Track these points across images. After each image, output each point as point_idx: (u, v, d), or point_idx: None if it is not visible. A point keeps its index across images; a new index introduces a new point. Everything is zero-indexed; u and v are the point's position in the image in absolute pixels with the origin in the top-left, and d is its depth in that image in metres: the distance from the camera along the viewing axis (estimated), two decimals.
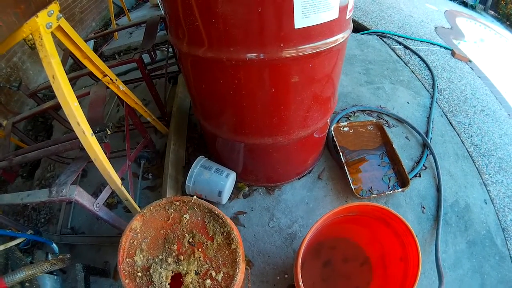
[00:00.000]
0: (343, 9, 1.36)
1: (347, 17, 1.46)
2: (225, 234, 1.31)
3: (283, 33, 1.28)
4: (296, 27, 1.26)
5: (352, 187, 2.21)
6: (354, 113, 2.88)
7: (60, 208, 2.47)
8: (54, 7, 1.30)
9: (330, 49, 1.43)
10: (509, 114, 3.33)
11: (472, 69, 3.90)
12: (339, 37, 1.46)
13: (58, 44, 1.58)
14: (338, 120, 2.74)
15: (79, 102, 1.46)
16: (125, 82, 2.78)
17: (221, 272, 1.25)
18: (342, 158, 2.34)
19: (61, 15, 1.37)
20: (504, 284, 2.04)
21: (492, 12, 6.91)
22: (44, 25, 1.25)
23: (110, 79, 1.89)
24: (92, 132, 1.49)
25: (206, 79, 1.61)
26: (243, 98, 1.57)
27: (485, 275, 2.04)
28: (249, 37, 1.30)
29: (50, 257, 1.87)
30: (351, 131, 2.64)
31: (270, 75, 1.44)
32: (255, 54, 1.33)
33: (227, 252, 1.29)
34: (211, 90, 1.66)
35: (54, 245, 1.94)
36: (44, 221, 2.49)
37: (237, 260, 1.26)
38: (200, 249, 1.30)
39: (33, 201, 1.54)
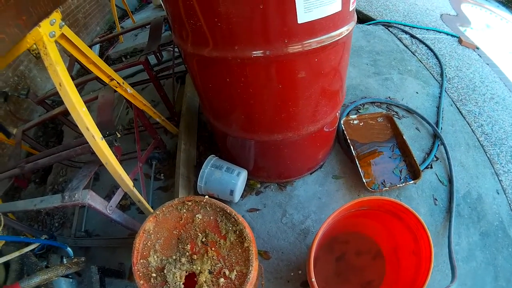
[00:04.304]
0: (346, 1, 1.35)
1: (351, 9, 1.45)
2: (237, 232, 1.32)
3: (286, 29, 1.28)
4: (299, 22, 1.25)
5: (364, 180, 2.20)
6: (364, 105, 2.87)
7: (73, 212, 2.50)
8: (56, 16, 1.32)
9: (335, 42, 1.42)
10: None
11: (480, 56, 3.83)
12: (344, 30, 1.44)
13: (64, 50, 1.59)
14: (348, 113, 2.72)
15: (88, 107, 1.47)
16: (133, 84, 2.81)
17: (235, 270, 1.26)
18: (353, 152, 2.33)
19: (63, 23, 1.38)
20: None
21: None
22: (47, 34, 1.27)
23: (117, 82, 1.91)
24: (101, 136, 1.50)
25: (212, 78, 1.61)
26: (251, 96, 1.57)
27: (498, 267, 2.02)
28: (253, 35, 1.30)
29: (65, 260, 1.89)
30: (361, 124, 2.62)
31: (276, 72, 1.44)
32: (260, 52, 1.32)
33: (240, 250, 1.29)
34: (218, 89, 1.67)
35: (69, 249, 1.95)
36: (58, 225, 2.52)
37: (250, 258, 1.26)
38: (213, 248, 1.31)
39: (46, 207, 1.57)
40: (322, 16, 1.28)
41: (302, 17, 1.24)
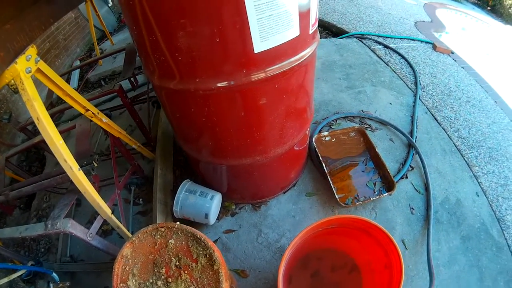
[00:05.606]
0: (304, 25, 1.35)
1: (311, 31, 1.45)
2: (207, 256, 1.36)
3: (244, 60, 1.29)
4: (256, 51, 1.26)
5: (337, 196, 2.21)
6: (336, 120, 2.89)
7: (58, 238, 2.51)
8: (31, 52, 1.36)
9: (297, 66, 1.43)
10: (495, 102, 3.33)
11: (455, 61, 3.91)
12: (305, 53, 1.45)
13: None
14: (320, 130, 2.74)
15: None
16: (111, 109, 2.83)
17: None
18: (325, 168, 2.35)
19: (39, 58, 1.43)
20: (504, 274, 2.03)
21: None
22: (24, 70, 1.31)
23: (93, 113, 1.94)
24: (79, 167, 1.54)
25: (179, 108, 1.64)
26: (216, 124, 1.60)
27: (483, 268, 2.04)
28: (212, 67, 1.32)
29: (51, 286, 1.93)
30: (333, 140, 2.64)
31: (237, 101, 1.46)
32: (219, 83, 1.34)
33: (210, 272, 1.34)
34: (185, 118, 1.69)
35: (55, 274, 1.99)
36: (44, 251, 2.52)
37: (220, 279, 1.31)
38: (186, 271, 1.35)
39: (31, 235, 1.61)
40: (279, 43, 1.29)
41: (259, 46, 1.25)
